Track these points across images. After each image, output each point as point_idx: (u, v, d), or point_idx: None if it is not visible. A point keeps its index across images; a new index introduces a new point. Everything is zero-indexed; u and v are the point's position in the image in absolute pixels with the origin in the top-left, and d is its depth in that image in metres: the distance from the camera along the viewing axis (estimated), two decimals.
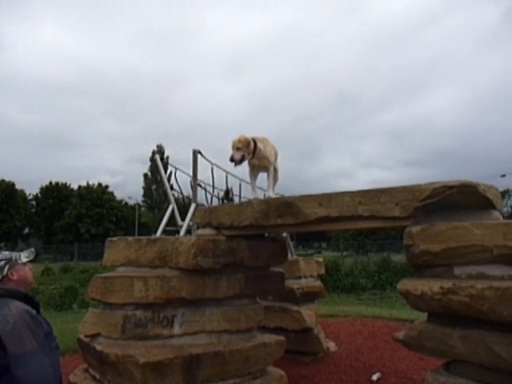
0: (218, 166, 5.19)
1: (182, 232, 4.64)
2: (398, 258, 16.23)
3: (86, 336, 4.24)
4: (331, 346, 7.12)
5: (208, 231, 4.23)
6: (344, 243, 22.59)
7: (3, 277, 2.40)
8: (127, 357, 3.65)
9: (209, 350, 3.86)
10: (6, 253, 2.53)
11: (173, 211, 5.12)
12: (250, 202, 3.94)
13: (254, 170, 4.21)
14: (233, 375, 4.05)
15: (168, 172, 5.51)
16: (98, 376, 4.20)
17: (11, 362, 2.08)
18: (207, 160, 4.92)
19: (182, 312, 3.98)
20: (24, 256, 2.55)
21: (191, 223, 4.84)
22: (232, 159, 3.89)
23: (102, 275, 4.30)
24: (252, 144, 3.87)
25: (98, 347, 3.95)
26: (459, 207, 3.10)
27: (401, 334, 3.35)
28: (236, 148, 3.85)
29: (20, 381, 2.09)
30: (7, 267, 2.43)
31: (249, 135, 3.91)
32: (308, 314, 6.56)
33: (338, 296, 13.64)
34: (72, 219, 45.45)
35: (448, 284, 2.76)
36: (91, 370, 4.38)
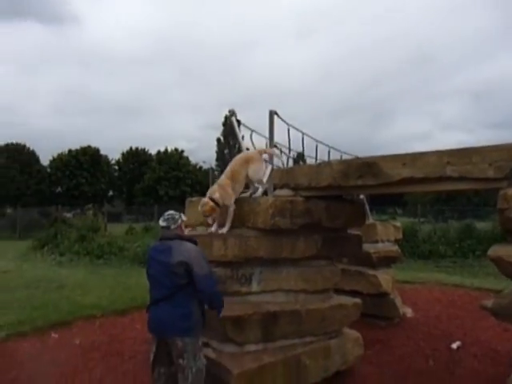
0: (293, 127, 5.11)
1: (259, 194, 4.66)
2: (482, 225, 15.29)
3: None
4: (408, 311, 6.97)
5: (285, 192, 4.23)
6: (422, 209, 21.62)
7: (178, 226, 3.41)
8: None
9: (286, 308, 3.94)
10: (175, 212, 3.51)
11: None
12: (328, 163, 3.86)
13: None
14: (309, 333, 4.12)
15: (240, 136, 5.48)
16: None
17: (195, 279, 3.17)
18: (283, 121, 4.84)
19: (260, 270, 4.06)
20: (183, 215, 3.53)
21: (267, 186, 4.84)
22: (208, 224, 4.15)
23: None
24: (210, 202, 3.87)
25: None
26: None
27: (489, 303, 3.19)
28: (204, 216, 3.97)
29: (202, 293, 3.23)
30: (180, 220, 3.43)
31: (205, 198, 3.95)
32: (384, 278, 6.44)
33: (415, 262, 13.18)
34: (151, 182, 47.89)
35: None
36: None
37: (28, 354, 5.27)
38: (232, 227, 4.12)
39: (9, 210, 34.08)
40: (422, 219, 19.92)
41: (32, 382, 4.43)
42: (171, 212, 3.49)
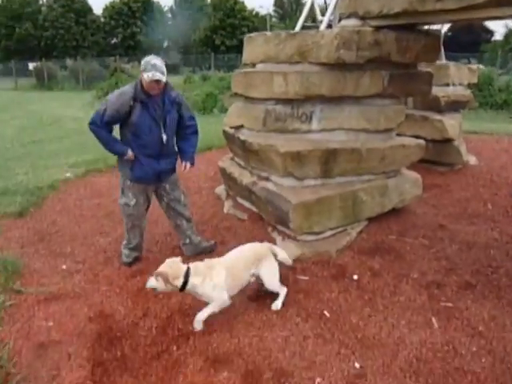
0: None
1: (323, 27, 4.30)
2: None
3: (231, 127, 4.58)
4: (471, 159, 6.76)
5: (353, 22, 3.86)
6: (502, 57, 19.40)
7: (141, 75, 3.23)
8: (269, 146, 3.89)
9: (346, 146, 3.93)
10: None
11: (312, 5, 4.70)
12: None
13: None
14: (367, 172, 4.15)
15: None
16: (242, 163, 4.64)
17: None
18: None
19: (321, 108, 3.97)
20: (158, 76, 3.13)
21: (332, 18, 4.43)
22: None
23: (244, 70, 4.37)
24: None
25: (242, 137, 4.26)
26: None
27: None
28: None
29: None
30: (141, 72, 3.21)
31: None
32: (451, 124, 6.14)
33: (486, 113, 12.38)
34: (208, 32, 45.97)
35: None
36: (236, 159, 4.85)
37: (106, 186, 5.82)
38: (294, 63, 3.91)
39: (68, 62, 34.70)
40: (500, 71, 18.07)
41: (112, 208, 4.97)
42: (156, 62, 3.15)
